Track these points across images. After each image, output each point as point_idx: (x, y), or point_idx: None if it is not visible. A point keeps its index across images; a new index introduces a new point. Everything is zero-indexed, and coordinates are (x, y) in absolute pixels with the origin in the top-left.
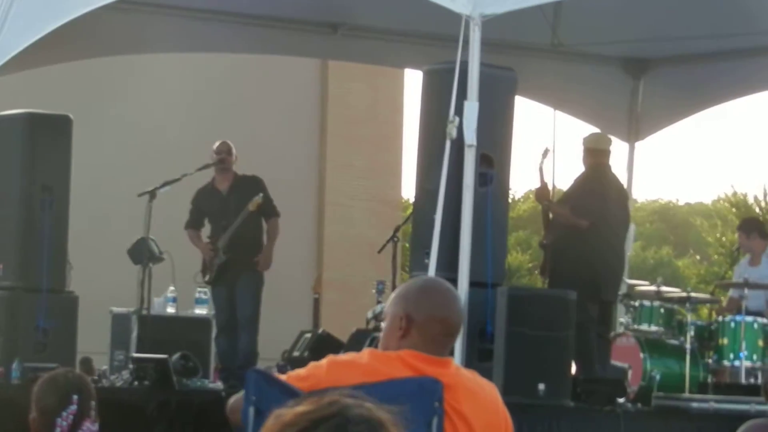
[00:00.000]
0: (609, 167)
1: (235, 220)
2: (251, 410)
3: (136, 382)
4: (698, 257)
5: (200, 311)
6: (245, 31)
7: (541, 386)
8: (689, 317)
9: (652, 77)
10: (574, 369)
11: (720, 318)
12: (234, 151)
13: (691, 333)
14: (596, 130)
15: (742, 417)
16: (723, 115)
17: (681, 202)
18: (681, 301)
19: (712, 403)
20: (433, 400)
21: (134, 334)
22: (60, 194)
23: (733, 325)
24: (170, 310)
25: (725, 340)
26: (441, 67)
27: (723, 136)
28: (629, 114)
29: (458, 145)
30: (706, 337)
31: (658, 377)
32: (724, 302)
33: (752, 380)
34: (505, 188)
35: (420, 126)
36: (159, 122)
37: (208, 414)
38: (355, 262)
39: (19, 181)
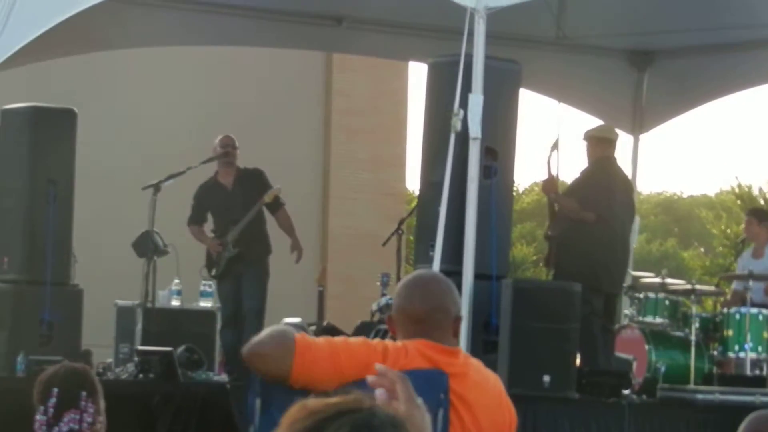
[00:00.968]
0: (614, 159)
1: (242, 213)
2: (258, 402)
3: (141, 375)
4: (702, 249)
5: (205, 304)
6: (249, 24)
7: (546, 378)
8: (694, 309)
9: (656, 69)
10: (578, 361)
11: (725, 310)
12: (237, 144)
13: (696, 325)
14: (600, 122)
15: (747, 408)
16: (727, 107)
17: (685, 195)
18: (686, 293)
19: (717, 394)
20: (439, 392)
21: (139, 327)
22: (64, 187)
23: (738, 316)
24: (175, 302)
25: (730, 332)
26: (446, 59)
27: (727, 129)
28: (633, 106)
29: (463, 137)
30: (711, 328)
31: (663, 369)
32: (729, 294)
33: (757, 372)
34: (509, 181)
35: (425, 119)
36: (162, 115)
37: (213, 406)
38: (360, 254)
39: (24, 175)
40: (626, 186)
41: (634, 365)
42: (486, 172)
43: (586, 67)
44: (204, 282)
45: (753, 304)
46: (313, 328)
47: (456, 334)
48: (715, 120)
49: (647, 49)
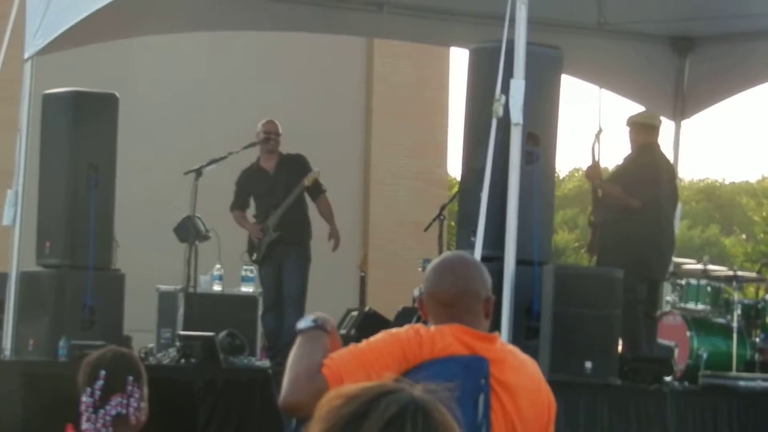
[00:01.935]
0: (658, 145)
1: (283, 198)
2: None
3: (182, 360)
4: (744, 236)
5: (246, 289)
6: (291, 10)
7: (588, 364)
8: (736, 296)
9: (698, 55)
10: (620, 347)
11: (767, 296)
12: (280, 130)
13: (737, 311)
14: (642, 108)
15: None
16: None
17: (727, 181)
18: (727, 279)
19: (759, 381)
20: (479, 378)
21: (181, 312)
22: (106, 172)
23: None
24: (216, 288)
25: None
26: (488, 45)
27: None
28: (675, 92)
29: (504, 123)
30: (753, 315)
31: (705, 356)
32: None
33: None
34: (551, 166)
35: (466, 104)
36: (205, 101)
37: (255, 392)
38: (401, 240)
39: (66, 160)
40: (670, 172)
41: (676, 352)
42: (528, 157)
43: (628, 53)
44: (245, 267)
45: None
46: (355, 313)
47: (488, 315)
48: (758, 106)
49: (689, 35)
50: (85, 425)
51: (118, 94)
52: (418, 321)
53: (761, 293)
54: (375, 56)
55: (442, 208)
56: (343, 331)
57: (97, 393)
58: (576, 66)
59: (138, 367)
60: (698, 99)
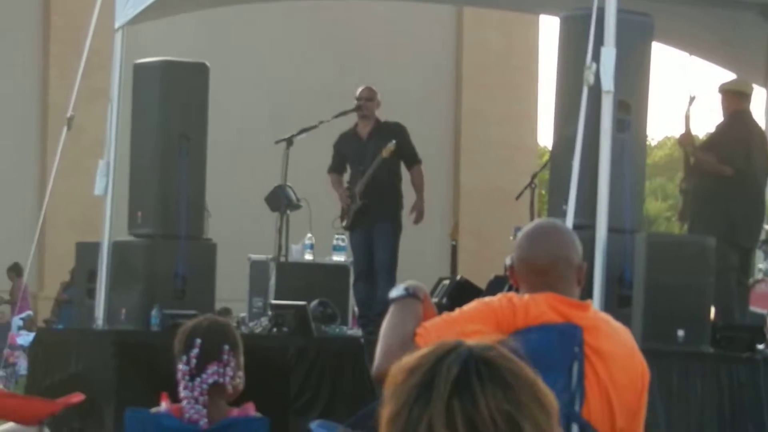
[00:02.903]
0: (750, 113)
1: (371, 165)
2: None
3: (274, 329)
4: None
5: (338, 258)
6: None
7: (680, 332)
8: None
9: None
10: (713, 315)
11: None
12: (377, 97)
13: None
14: (733, 75)
15: None
16: None
17: None
18: None
19: None
20: (573, 345)
21: (272, 281)
22: (197, 142)
23: None
24: (308, 257)
25: None
26: (578, 13)
27: None
28: (766, 59)
29: (596, 91)
30: None
31: None
32: None
33: None
34: (642, 134)
35: (557, 72)
36: (297, 69)
37: (347, 361)
38: (491, 209)
39: (157, 130)
40: (762, 140)
41: None
42: (619, 125)
43: (718, 20)
44: (337, 236)
45: None
46: (447, 282)
47: (580, 282)
48: None
49: None
50: (183, 393)
51: (208, 64)
52: (509, 290)
53: None
54: (465, 25)
55: (534, 176)
56: (435, 300)
57: (193, 361)
58: (666, 33)
59: (234, 336)
60: None
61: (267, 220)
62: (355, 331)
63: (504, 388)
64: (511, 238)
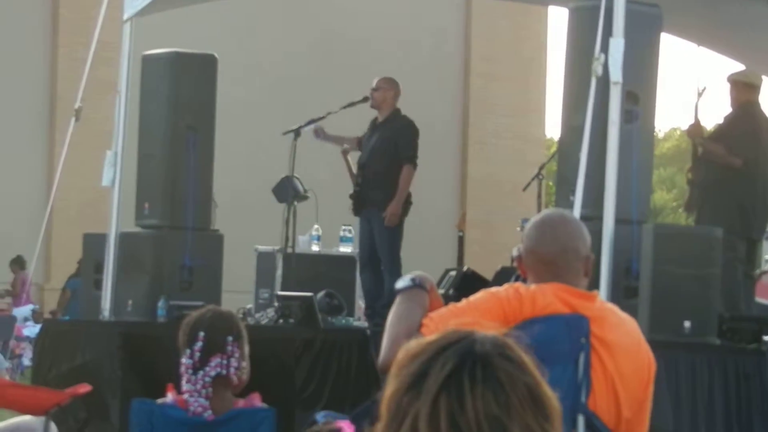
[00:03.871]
0: (758, 104)
1: (367, 155)
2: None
3: (281, 320)
4: None
5: (345, 249)
6: None
7: (687, 324)
8: None
9: None
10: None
11: None
12: (391, 87)
13: None
14: (742, 66)
15: None
16: None
17: None
18: None
19: None
20: (580, 336)
21: (279, 272)
22: (205, 133)
23: None
24: (315, 248)
25: None
26: (587, 4)
27: None
28: None
29: (604, 82)
30: None
31: None
32: None
33: None
34: (650, 125)
35: (566, 64)
36: (305, 60)
37: (353, 352)
38: (499, 200)
39: (165, 121)
40: None
41: None
42: (627, 116)
43: (728, 11)
44: (344, 227)
45: None
46: (453, 273)
47: (587, 273)
48: None
49: None
50: (185, 386)
51: (216, 55)
52: (516, 280)
53: None
54: (473, 16)
55: (541, 167)
56: (441, 291)
57: (197, 354)
58: (674, 23)
59: (238, 327)
60: None
61: (274, 211)
62: (362, 323)
63: (495, 392)
64: (518, 229)
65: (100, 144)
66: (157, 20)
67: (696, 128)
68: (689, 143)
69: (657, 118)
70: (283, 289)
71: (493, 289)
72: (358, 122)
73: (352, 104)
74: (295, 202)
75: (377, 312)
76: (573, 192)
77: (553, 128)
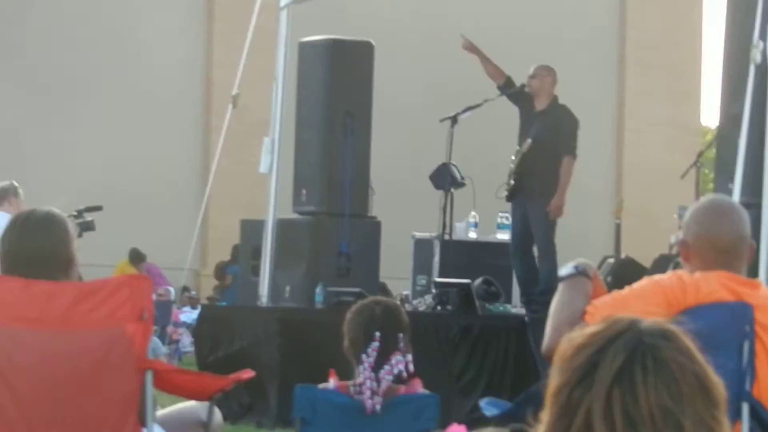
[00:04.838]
0: None
1: (526, 143)
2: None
3: (438, 307)
4: None
5: (502, 236)
6: None
7: None
8: None
9: None
10: None
11: None
12: (548, 74)
13: None
14: None
15: None
16: None
17: None
18: None
19: None
20: (744, 324)
21: (436, 259)
22: (362, 120)
23: None
24: (472, 235)
25: None
26: None
27: None
28: None
29: (763, 69)
30: None
31: None
32: None
33: None
34: None
35: (724, 50)
36: (457, 47)
37: (511, 339)
38: (655, 187)
39: (322, 107)
40: None
41: None
42: None
43: None
44: (501, 214)
45: None
46: (611, 260)
47: (749, 261)
48: None
49: None
50: (367, 384)
51: (373, 42)
52: (675, 268)
53: None
54: (627, 4)
55: (699, 154)
56: None
57: (374, 354)
58: None
59: (406, 322)
60: None
61: (431, 198)
62: (519, 310)
63: (668, 383)
64: (675, 216)
65: (257, 131)
66: (313, 7)
67: None
68: None
69: None
70: (440, 276)
71: (656, 276)
72: (514, 109)
73: (509, 91)
74: (453, 189)
75: (533, 299)
76: (732, 179)
77: (709, 116)
